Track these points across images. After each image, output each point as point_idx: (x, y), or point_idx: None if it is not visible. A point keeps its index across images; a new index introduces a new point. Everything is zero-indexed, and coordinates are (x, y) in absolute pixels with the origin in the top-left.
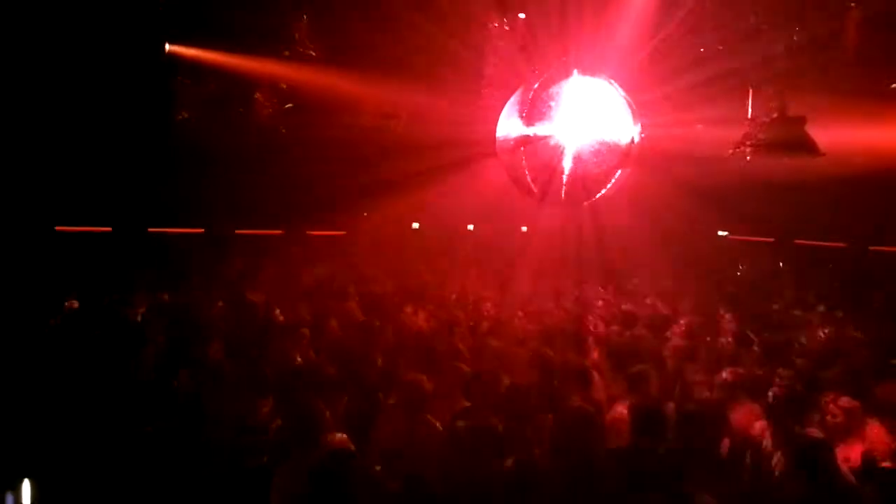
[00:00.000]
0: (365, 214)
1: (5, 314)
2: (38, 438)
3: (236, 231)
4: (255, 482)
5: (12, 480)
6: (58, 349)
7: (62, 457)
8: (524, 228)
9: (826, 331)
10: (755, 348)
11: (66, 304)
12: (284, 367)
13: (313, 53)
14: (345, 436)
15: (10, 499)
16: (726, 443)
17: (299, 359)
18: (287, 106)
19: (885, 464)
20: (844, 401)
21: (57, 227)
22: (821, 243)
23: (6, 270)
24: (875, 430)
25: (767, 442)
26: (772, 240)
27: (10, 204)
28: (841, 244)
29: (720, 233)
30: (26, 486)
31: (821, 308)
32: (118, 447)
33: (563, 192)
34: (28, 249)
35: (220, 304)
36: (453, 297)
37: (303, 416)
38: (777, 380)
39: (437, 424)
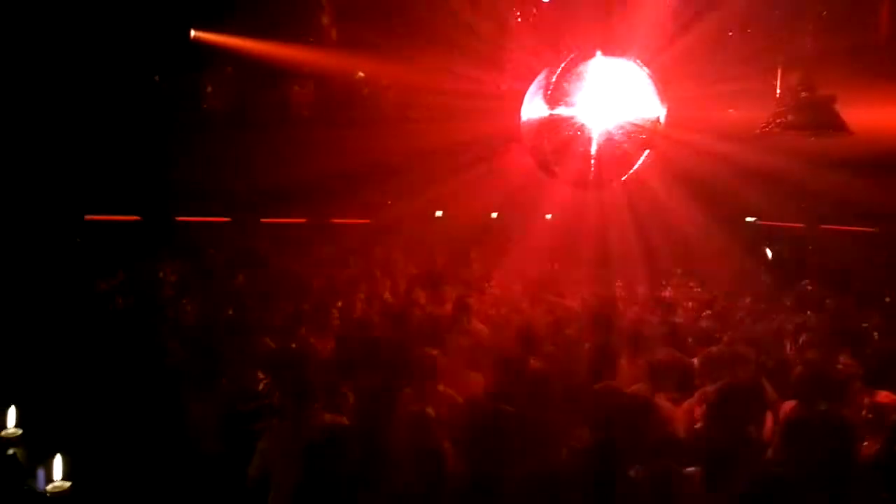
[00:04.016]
0: (389, 202)
1: (37, 301)
2: (68, 415)
3: (262, 220)
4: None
5: (44, 455)
6: (88, 333)
7: (93, 433)
8: (548, 216)
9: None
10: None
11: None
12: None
13: (336, 40)
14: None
15: (41, 473)
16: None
17: (314, 339)
18: (313, 96)
19: None
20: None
21: (86, 216)
22: (850, 228)
23: (37, 259)
24: None
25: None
26: (801, 225)
27: (39, 193)
28: (871, 229)
29: (748, 218)
30: (58, 460)
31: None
32: (145, 423)
33: (588, 174)
34: (58, 238)
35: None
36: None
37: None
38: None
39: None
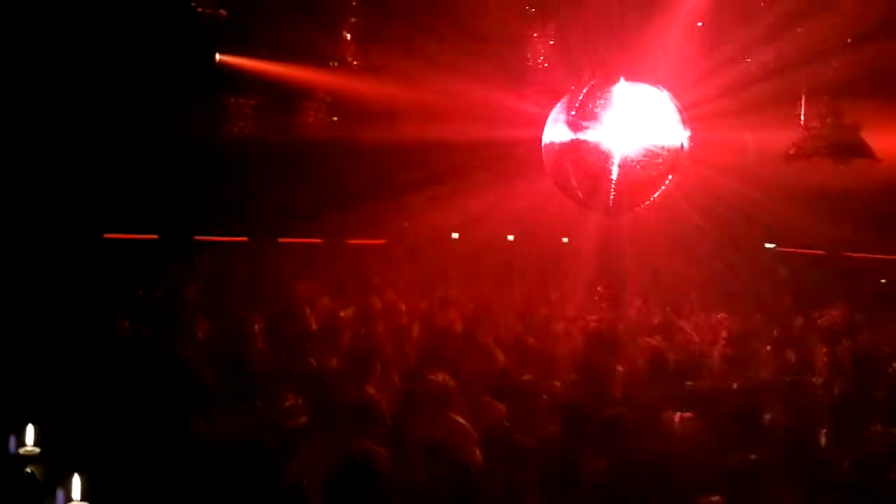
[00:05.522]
0: (406, 224)
1: (56, 320)
2: (87, 435)
3: (279, 240)
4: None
5: (62, 475)
6: (107, 353)
7: (112, 452)
8: (565, 239)
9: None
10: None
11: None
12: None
13: (356, 63)
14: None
15: (60, 493)
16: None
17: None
18: (333, 118)
19: None
20: None
21: (105, 235)
22: (873, 255)
23: (55, 277)
24: None
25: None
26: (822, 252)
27: (58, 210)
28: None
29: (768, 245)
30: (76, 479)
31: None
32: (164, 442)
33: (610, 199)
34: (76, 256)
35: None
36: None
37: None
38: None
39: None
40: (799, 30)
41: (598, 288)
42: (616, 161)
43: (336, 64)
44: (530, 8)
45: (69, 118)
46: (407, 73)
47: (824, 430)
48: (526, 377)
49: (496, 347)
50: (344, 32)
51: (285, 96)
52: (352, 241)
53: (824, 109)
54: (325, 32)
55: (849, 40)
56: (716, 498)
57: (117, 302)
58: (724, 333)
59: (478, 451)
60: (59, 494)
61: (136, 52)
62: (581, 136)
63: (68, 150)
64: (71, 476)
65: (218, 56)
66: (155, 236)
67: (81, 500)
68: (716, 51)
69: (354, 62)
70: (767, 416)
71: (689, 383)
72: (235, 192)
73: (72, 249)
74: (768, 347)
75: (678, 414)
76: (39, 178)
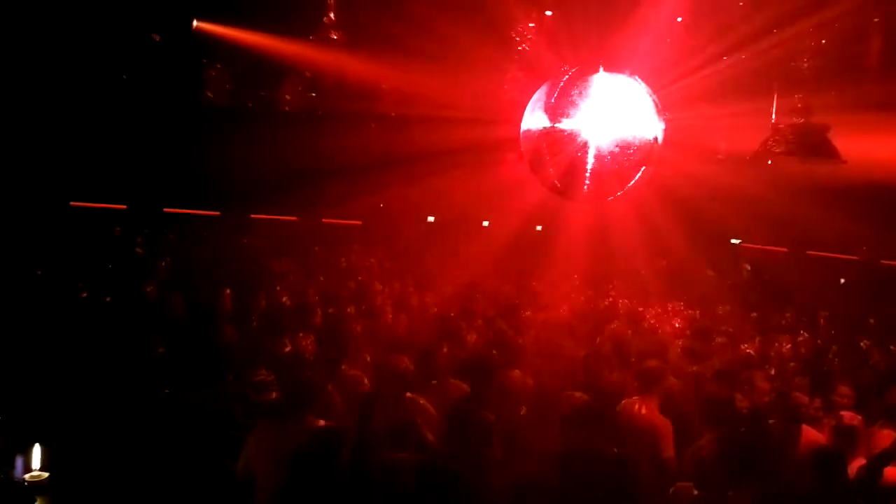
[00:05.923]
0: (381, 205)
1: (20, 286)
2: (49, 405)
3: (252, 216)
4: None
5: (23, 444)
6: (71, 323)
7: (72, 423)
8: (538, 227)
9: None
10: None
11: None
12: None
13: (335, 37)
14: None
15: (19, 461)
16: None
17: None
18: (311, 94)
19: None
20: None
21: (72, 203)
22: (833, 255)
23: (20, 243)
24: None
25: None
26: (784, 250)
27: (26, 177)
28: (853, 257)
29: (733, 240)
30: (37, 449)
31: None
32: (126, 414)
33: (584, 187)
34: (42, 223)
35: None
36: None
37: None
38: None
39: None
40: (774, 29)
41: (571, 277)
42: (592, 150)
43: (315, 38)
44: None
45: (39, 84)
46: (387, 53)
47: (780, 420)
48: (494, 360)
49: (468, 330)
50: (325, 8)
51: (263, 68)
52: (327, 220)
53: (794, 109)
54: (307, 5)
55: (823, 40)
56: (688, 484)
57: (82, 271)
58: (687, 324)
59: (439, 431)
60: (18, 463)
61: (110, 17)
62: (559, 124)
63: (38, 117)
64: (31, 446)
65: (195, 23)
66: (123, 206)
67: (41, 470)
68: (693, 47)
69: (334, 37)
70: (727, 404)
71: (647, 369)
72: (208, 165)
73: (38, 216)
74: (728, 340)
75: (639, 399)
76: (8, 145)
